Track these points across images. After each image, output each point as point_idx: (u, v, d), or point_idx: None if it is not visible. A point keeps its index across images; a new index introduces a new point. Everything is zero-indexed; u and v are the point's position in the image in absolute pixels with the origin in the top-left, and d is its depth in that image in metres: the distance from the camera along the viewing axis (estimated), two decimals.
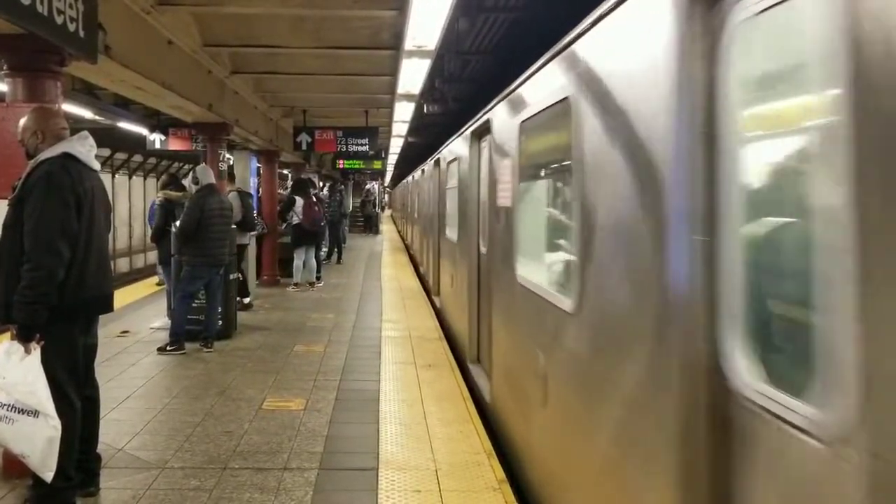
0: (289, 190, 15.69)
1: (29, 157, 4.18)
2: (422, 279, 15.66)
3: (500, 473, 4.89)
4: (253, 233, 11.91)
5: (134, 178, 26.81)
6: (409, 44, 7.71)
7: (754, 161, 2.12)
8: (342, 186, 22.98)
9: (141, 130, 14.79)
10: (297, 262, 14.07)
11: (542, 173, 4.81)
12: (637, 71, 2.83)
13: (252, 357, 8.21)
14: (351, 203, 21.11)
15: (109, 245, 4.55)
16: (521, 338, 5.07)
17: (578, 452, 3.60)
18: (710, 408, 2.16)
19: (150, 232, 10.51)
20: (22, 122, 4.26)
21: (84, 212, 4.07)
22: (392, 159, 33.51)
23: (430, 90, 15.05)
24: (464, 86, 16.58)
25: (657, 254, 2.59)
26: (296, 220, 14.00)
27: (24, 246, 3.91)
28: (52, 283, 3.90)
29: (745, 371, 2.06)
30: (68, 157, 4.10)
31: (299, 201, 14.06)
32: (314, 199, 14.58)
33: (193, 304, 8.67)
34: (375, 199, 40.28)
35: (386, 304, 12.34)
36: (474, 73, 16.07)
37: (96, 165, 4.34)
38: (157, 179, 14.51)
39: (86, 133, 4.32)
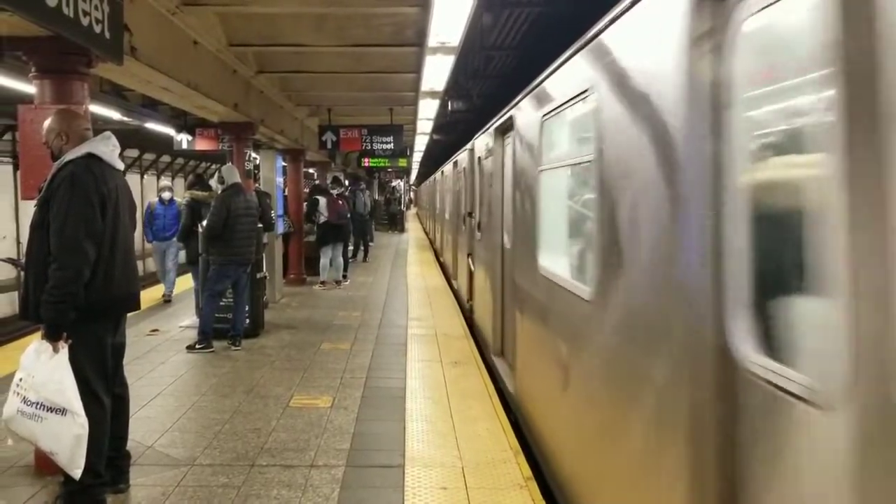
0: (308, 192, 15.72)
1: (54, 159, 4.23)
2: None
3: (527, 471, 4.87)
4: (274, 232, 11.94)
5: (162, 178, 27.07)
6: (432, 40, 7.69)
7: None
8: (363, 185, 22.90)
9: (168, 131, 14.92)
10: (324, 260, 14.13)
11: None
12: None
13: (279, 355, 8.25)
14: (368, 203, 20.75)
15: (137, 244, 4.59)
16: None
17: None
18: None
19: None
20: (46, 124, 4.31)
21: (108, 211, 4.11)
22: (417, 157, 33.58)
23: (455, 87, 15.03)
24: (488, 82, 16.53)
25: None
26: (321, 219, 14.05)
27: (50, 246, 3.96)
28: (79, 283, 3.94)
29: None
30: (92, 158, 4.14)
31: (322, 200, 14.11)
32: (336, 195, 14.61)
33: (221, 303, 8.73)
34: (401, 196, 40.33)
35: (412, 302, 12.35)
36: (499, 70, 16.02)
37: (120, 165, 4.37)
38: (185, 179, 14.61)
39: (108, 133, 4.36)
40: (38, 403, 3.86)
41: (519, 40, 13.49)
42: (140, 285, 4.58)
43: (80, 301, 3.95)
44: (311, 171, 20.65)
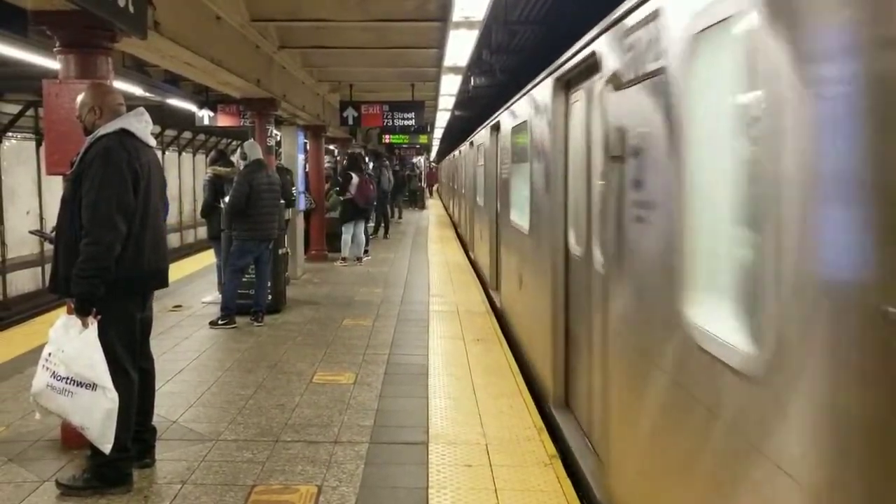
0: (345, 163, 15.66)
1: (86, 133, 4.22)
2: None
3: (551, 448, 4.86)
4: (296, 208, 11.93)
5: (183, 154, 27.16)
6: (456, 14, 7.59)
7: None
8: (386, 162, 22.91)
9: (190, 107, 14.93)
10: (346, 236, 14.14)
11: None
12: None
13: (302, 331, 8.27)
14: (392, 179, 20.89)
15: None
16: None
17: None
18: None
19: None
20: (79, 98, 4.29)
21: (140, 187, 4.11)
22: (438, 134, 33.41)
23: (478, 62, 14.90)
24: (511, 57, 16.37)
25: None
26: (348, 195, 14.05)
27: (81, 220, 3.96)
28: (110, 258, 3.94)
29: None
30: (125, 133, 4.13)
31: (355, 179, 14.09)
32: (368, 176, 14.60)
33: (243, 279, 8.75)
34: (421, 173, 40.24)
35: (433, 278, 12.35)
36: (522, 44, 15.84)
37: (152, 142, 4.37)
38: (206, 156, 14.67)
39: (142, 109, 4.35)
40: (68, 378, 3.88)
41: (544, 14, 13.32)
42: (168, 262, 4.58)
43: (110, 276, 3.96)
44: (331, 147, 20.62)
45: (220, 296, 9.06)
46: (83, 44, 4.79)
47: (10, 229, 15.77)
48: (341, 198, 14.28)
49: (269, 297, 9.04)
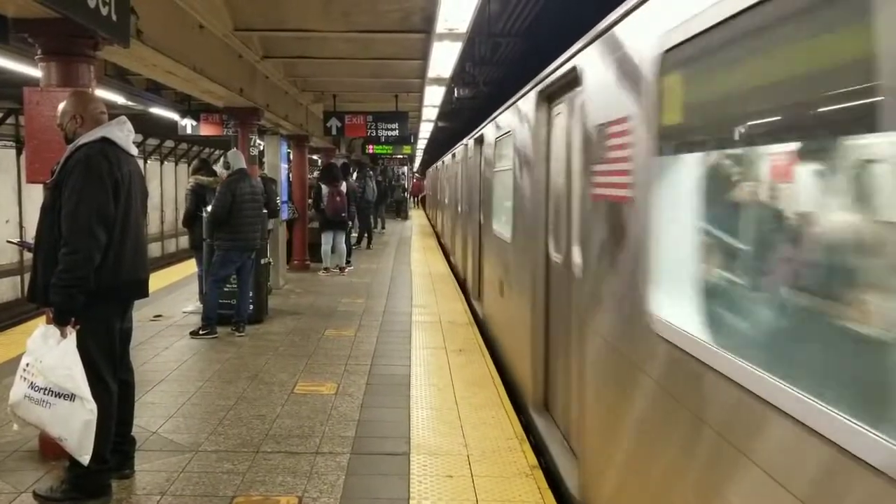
0: (317, 175, 15.64)
1: (67, 142, 4.19)
2: None
3: (532, 459, 4.86)
4: (278, 218, 11.90)
5: (165, 163, 27.05)
6: (440, 26, 7.64)
7: None
8: (370, 172, 22.86)
9: (172, 116, 14.88)
10: (325, 247, 14.07)
11: None
12: None
13: (283, 341, 8.24)
14: (376, 190, 20.87)
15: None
16: None
17: None
18: None
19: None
20: (61, 106, 4.27)
21: (121, 196, 4.08)
22: (421, 144, 33.51)
23: (461, 74, 14.97)
24: (495, 69, 16.46)
25: None
26: (321, 205, 14.01)
27: (61, 229, 3.94)
28: (89, 267, 3.91)
29: None
30: (106, 142, 4.11)
31: (325, 189, 14.03)
32: (339, 188, 14.47)
33: (225, 289, 8.71)
34: (405, 184, 40.27)
35: (416, 288, 12.34)
36: (505, 56, 15.94)
37: (134, 150, 4.35)
38: (189, 165, 14.62)
39: (124, 118, 4.32)
40: (46, 389, 3.84)
41: (526, 27, 13.41)
42: (149, 271, 4.55)
43: (89, 286, 3.93)
44: (314, 157, 20.58)
45: (201, 305, 9.01)
46: (65, 52, 4.77)
47: None
48: (313, 211, 14.24)
49: (251, 307, 9.00)
